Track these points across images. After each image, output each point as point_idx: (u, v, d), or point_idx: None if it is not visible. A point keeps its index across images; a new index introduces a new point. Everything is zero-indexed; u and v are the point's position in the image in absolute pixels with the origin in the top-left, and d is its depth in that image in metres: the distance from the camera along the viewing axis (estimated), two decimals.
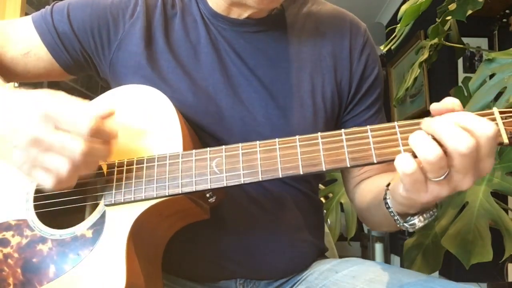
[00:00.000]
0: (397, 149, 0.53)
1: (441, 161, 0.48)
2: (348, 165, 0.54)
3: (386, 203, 0.60)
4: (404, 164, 0.49)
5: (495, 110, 0.51)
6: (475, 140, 0.47)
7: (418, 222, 0.59)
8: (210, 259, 0.74)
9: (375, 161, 0.53)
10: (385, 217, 0.62)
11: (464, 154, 0.47)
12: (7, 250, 0.63)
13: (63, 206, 0.64)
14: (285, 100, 0.76)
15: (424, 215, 0.58)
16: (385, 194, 0.60)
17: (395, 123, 0.54)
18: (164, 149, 0.61)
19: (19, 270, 0.62)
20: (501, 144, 0.50)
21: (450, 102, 0.51)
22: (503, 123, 0.51)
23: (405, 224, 0.60)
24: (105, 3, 0.78)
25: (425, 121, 0.51)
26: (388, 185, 0.60)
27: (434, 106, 0.52)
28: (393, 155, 0.53)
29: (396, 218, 0.60)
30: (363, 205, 0.77)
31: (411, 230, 0.61)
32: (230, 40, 0.77)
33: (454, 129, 0.47)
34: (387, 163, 0.53)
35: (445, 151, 0.48)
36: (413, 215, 0.59)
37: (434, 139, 0.48)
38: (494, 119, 0.51)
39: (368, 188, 0.77)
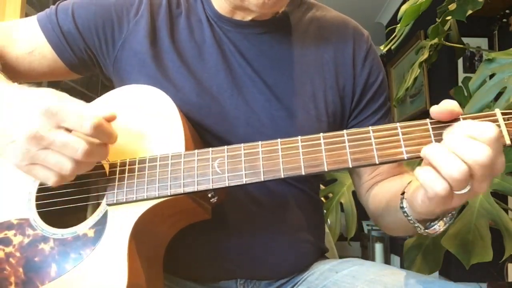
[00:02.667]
0: (399, 150, 0.53)
1: (466, 175, 0.48)
2: (350, 166, 0.54)
3: (405, 212, 0.60)
4: (437, 185, 0.49)
5: (497, 111, 0.51)
6: (489, 147, 0.47)
7: (439, 227, 0.58)
8: (211, 260, 0.74)
9: (377, 162, 0.53)
10: (402, 224, 0.62)
11: (485, 165, 0.47)
12: (9, 249, 0.63)
13: (65, 205, 0.64)
14: (289, 102, 0.76)
15: (445, 219, 0.58)
16: (401, 202, 0.60)
17: (397, 124, 0.54)
18: (166, 149, 0.61)
19: (20, 269, 0.62)
20: (503, 145, 0.50)
21: (449, 104, 0.52)
22: (506, 124, 0.50)
23: (426, 230, 0.59)
24: (109, 2, 0.78)
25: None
26: (403, 193, 0.60)
27: (434, 109, 0.52)
28: (395, 155, 0.53)
29: (416, 225, 0.60)
30: (378, 211, 0.77)
31: (433, 236, 0.60)
32: (234, 41, 0.77)
33: (470, 142, 0.47)
34: (398, 165, 0.53)
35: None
36: (433, 220, 0.59)
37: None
38: (496, 121, 0.51)
39: (382, 194, 0.76)
